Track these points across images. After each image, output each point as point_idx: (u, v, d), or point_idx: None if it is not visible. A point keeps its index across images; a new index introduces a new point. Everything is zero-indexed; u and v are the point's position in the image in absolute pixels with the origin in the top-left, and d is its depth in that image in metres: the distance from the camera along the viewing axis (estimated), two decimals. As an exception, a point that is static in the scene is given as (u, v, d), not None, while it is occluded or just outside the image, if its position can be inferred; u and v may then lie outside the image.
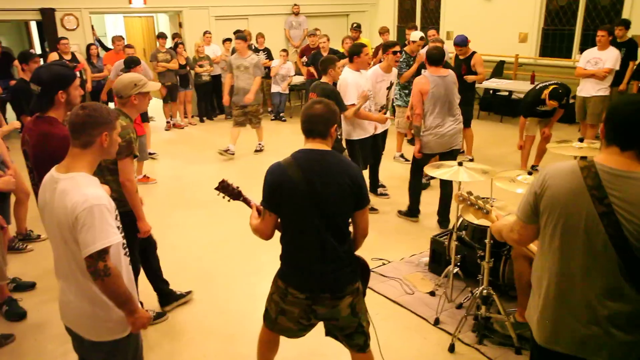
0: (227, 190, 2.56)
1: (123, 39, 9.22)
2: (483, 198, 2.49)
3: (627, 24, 7.33)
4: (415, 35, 6.94)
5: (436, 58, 4.77)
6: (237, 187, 2.59)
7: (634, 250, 1.71)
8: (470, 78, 6.67)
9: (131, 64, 6.33)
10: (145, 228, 3.24)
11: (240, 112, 7.33)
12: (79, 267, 2.01)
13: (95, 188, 2.01)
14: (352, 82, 4.92)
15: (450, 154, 4.87)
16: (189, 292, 3.90)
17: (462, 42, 6.68)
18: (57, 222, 2.00)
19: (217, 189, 2.56)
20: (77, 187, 1.97)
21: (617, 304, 1.76)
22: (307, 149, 2.33)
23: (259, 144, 7.79)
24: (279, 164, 2.31)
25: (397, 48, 5.34)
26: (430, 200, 5.38)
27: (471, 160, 6.80)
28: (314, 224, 2.27)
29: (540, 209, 1.88)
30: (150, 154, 7.66)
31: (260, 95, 7.50)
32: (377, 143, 5.54)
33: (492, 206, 2.48)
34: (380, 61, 6.13)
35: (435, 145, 4.82)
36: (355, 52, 5.01)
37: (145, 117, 7.66)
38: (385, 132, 5.68)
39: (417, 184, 5.17)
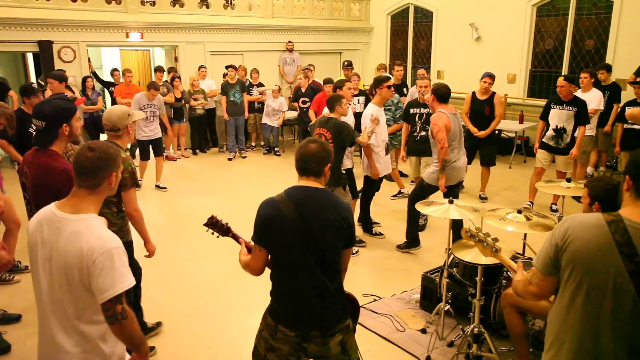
0: (216, 226, 2.57)
1: (118, 70, 9.40)
2: (493, 237, 2.50)
3: (608, 68, 7.58)
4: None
5: (446, 95, 4.81)
6: (226, 223, 2.59)
7: None
8: (488, 130, 6.72)
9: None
10: (153, 248, 3.47)
11: None
12: (75, 310, 1.96)
13: (108, 230, 2.00)
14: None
15: (457, 186, 5.06)
16: (158, 324, 3.88)
17: (492, 75, 6.70)
18: (64, 264, 1.93)
19: (205, 225, 2.56)
20: (91, 229, 1.94)
21: None
22: (300, 185, 2.36)
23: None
24: (272, 199, 2.33)
25: (391, 82, 5.51)
26: (422, 237, 5.40)
27: (485, 198, 6.94)
28: (305, 260, 2.27)
29: (562, 263, 1.78)
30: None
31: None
32: (369, 182, 5.60)
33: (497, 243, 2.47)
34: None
35: (451, 178, 4.90)
36: (338, 86, 5.37)
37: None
38: (384, 175, 5.73)
39: (413, 216, 5.18)
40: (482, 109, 6.71)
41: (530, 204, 6.50)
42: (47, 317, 2.04)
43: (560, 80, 6.13)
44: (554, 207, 6.54)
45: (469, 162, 6.99)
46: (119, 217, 3.12)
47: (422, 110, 6.14)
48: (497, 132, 9.13)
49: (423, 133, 6.12)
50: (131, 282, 1.95)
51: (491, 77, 6.66)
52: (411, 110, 6.25)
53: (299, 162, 2.38)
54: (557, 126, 6.16)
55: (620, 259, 1.65)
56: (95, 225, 1.97)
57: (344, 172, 5.11)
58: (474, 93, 6.87)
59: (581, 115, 6.07)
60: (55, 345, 2.02)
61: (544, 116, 6.35)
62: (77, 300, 1.96)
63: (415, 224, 5.27)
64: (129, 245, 3.27)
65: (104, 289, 1.88)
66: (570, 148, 6.18)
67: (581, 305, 1.75)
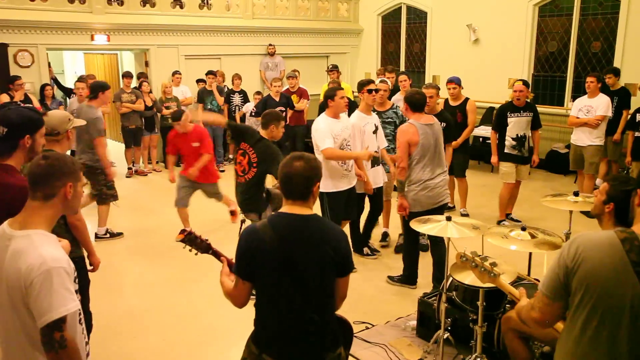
0: (194, 242, 2.54)
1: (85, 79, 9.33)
2: (491, 261, 2.49)
3: (616, 72, 7.68)
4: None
5: (419, 103, 4.59)
6: (206, 240, 2.57)
7: None
8: (460, 139, 6.70)
9: (99, 89, 5.96)
10: (98, 261, 3.52)
11: None
12: (27, 338, 1.94)
13: (53, 248, 1.97)
14: (324, 129, 4.85)
15: (439, 210, 4.62)
16: None
17: (456, 80, 6.81)
18: (6, 286, 1.94)
19: (182, 241, 2.53)
20: (32, 247, 1.92)
21: None
22: (285, 213, 2.33)
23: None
24: (253, 228, 2.32)
25: (372, 86, 5.34)
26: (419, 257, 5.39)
27: (466, 215, 6.86)
28: (290, 294, 2.26)
29: (573, 286, 1.78)
30: None
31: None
32: (352, 198, 5.26)
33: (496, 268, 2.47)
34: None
35: (425, 201, 4.60)
36: (329, 96, 4.93)
37: None
38: (380, 190, 5.64)
39: (412, 248, 4.96)
40: (455, 115, 6.77)
41: (508, 217, 6.74)
42: (3, 346, 2.04)
43: (520, 85, 6.38)
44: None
45: None
46: (67, 229, 3.16)
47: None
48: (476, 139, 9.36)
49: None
50: (72, 307, 1.91)
51: (455, 82, 6.79)
52: None
53: (282, 183, 2.35)
54: (517, 135, 6.44)
55: (636, 279, 1.66)
56: (37, 243, 1.94)
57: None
58: (446, 99, 7.00)
59: (536, 119, 6.47)
60: None
61: (498, 127, 6.54)
62: (25, 326, 1.94)
63: (411, 262, 4.99)
64: (81, 260, 3.29)
65: (40, 314, 1.87)
66: (531, 155, 6.54)
67: (595, 332, 1.74)
